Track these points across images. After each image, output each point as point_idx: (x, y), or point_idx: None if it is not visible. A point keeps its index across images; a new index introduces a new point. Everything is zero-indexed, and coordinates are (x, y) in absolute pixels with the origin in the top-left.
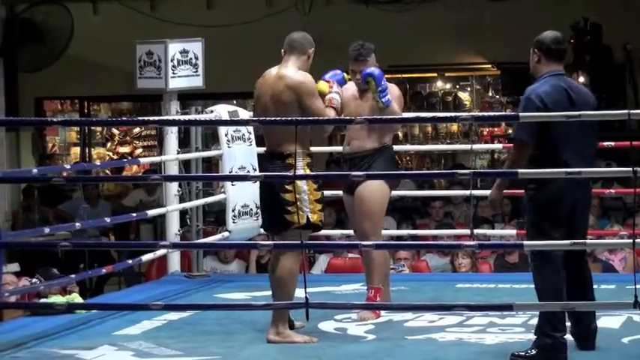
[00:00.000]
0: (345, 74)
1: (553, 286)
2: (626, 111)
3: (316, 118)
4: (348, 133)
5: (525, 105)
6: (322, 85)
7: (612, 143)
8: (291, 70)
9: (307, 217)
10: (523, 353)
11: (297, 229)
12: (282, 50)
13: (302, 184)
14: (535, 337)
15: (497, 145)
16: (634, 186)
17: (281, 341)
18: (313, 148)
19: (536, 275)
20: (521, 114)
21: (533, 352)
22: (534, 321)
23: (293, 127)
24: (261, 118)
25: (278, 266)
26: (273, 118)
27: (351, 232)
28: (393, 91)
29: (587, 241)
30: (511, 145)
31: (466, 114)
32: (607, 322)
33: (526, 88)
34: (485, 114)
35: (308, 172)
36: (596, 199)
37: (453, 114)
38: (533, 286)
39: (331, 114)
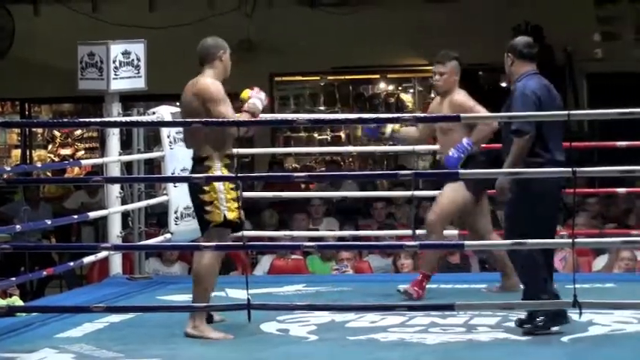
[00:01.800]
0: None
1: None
2: (566, 112)
3: (235, 120)
4: (439, 142)
5: (523, 100)
6: (245, 93)
7: None
8: (202, 79)
9: (224, 216)
10: (533, 324)
11: (216, 228)
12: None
13: (218, 185)
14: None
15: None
16: (574, 186)
17: (196, 335)
18: (256, 150)
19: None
20: (462, 115)
21: (542, 319)
22: (475, 320)
23: (207, 132)
24: (205, 120)
25: (196, 262)
26: (214, 120)
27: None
28: (465, 104)
29: (529, 240)
30: None
31: (408, 115)
32: None
33: (516, 85)
34: (427, 115)
35: (226, 172)
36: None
37: (395, 115)
38: (474, 286)
39: (243, 118)
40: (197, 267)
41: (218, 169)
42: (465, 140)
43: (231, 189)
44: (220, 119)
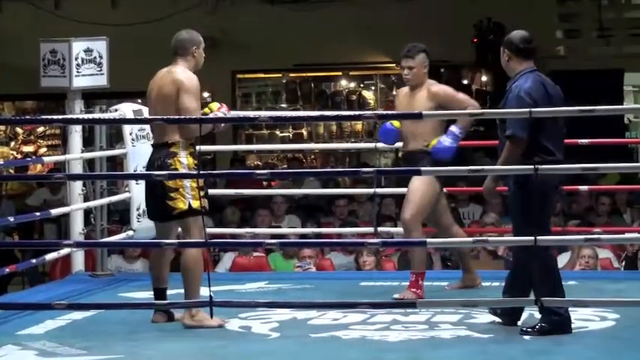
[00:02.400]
0: (394, 123)
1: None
2: (527, 109)
3: (218, 117)
4: (402, 135)
5: (518, 103)
6: (212, 105)
7: None
8: (179, 69)
9: (189, 204)
10: (531, 329)
11: (186, 217)
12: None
13: (183, 172)
14: (542, 313)
15: (401, 144)
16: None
17: (195, 325)
18: (218, 147)
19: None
20: (424, 112)
21: (544, 326)
22: (437, 318)
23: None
24: (164, 117)
25: (183, 255)
26: (177, 117)
27: (254, 230)
28: (447, 92)
29: (490, 238)
30: None
31: (370, 112)
32: None
33: (511, 86)
34: (389, 112)
35: (191, 160)
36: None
37: (357, 112)
38: (435, 283)
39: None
40: (184, 259)
41: (183, 156)
42: (455, 129)
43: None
44: (182, 116)
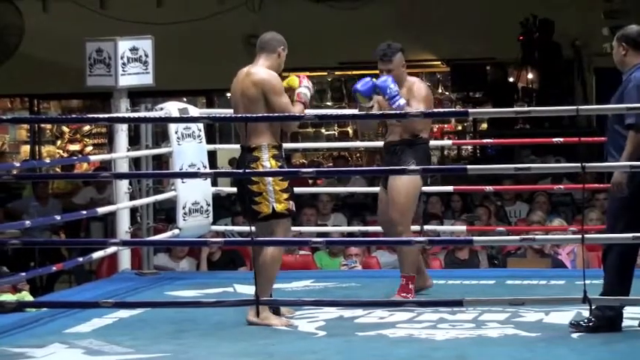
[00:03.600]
0: (374, 80)
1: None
2: (575, 107)
3: (264, 115)
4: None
5: (639, 93)
6: (293, 80)
7: (561, 139)
8: (259, 68)
9: (273, 207)
10: (583, 322)
11: (270, 219)
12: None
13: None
14: (595, 308)
15: (446, 142)
16: (583, 182)
17: (259, 323)
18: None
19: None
20: (470, 110)
21: (594, 321)
22: (485, 317)
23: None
24: (210, 115)
25: (261, 253)
26: (220, 116)
27: (300, 228)
28: (419, 90)
29: (537, 236)
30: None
31: (416, 110)
32: (556, 317)
33: (629, 77)
34: (435, 110)
35: (274, 163)
36: (544, 195)
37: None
38: (483, 282)
39: (297, 109)
40: (263, 258)
41: (266, 160)
42: (403, 102)
43: (280, 180)
44: (279, 112)
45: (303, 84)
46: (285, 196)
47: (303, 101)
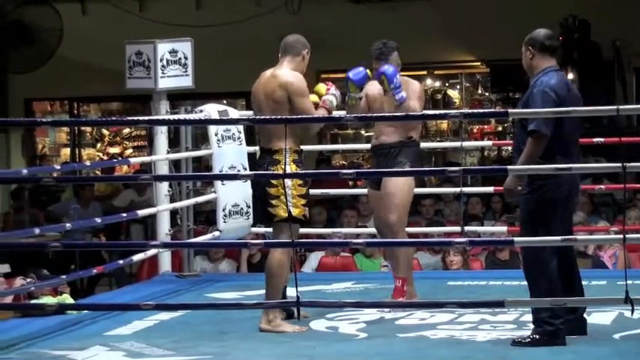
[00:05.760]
0: (367, 71)
1: (546, 277)
2: (615, 107)
3: (303, 116)
4: (375, 128)
5: (544, 99)
6: (320, 88)
7: (602, 139)
8: (284, 71)
9: (289, 211)
10: (524, 340)
11: (282, 222)
12: (279, 53)
13: (287, 180)
14: (534, 324)
15: (487, 142)
16: (624, 182)
17: (271, 330)
18: (304, 147)
19: (528, 268)
20: (510, 110)
21: (535, 337)
22: (526, 317)
23: (281, 124)
24: (249, 117)
25: (268, 258)
26: (261, 117)
27: (341, 230)
28: (414, 88)
29: (579, 237)
30: (501, 142)
31: (455, 111)
32: (598, 318)
33: (535, 82)
34: (475, 111)
35: (294, 167)
36: (586, 196)
37: (442, 111)
38: (524, 283)
39: (320, 114)
40: (269, 262)
41: (287, 164)
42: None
43: (299, 185)
44: (302, 115)
45: (330, 92)
46: (303, 201)
47: (327, 107)
